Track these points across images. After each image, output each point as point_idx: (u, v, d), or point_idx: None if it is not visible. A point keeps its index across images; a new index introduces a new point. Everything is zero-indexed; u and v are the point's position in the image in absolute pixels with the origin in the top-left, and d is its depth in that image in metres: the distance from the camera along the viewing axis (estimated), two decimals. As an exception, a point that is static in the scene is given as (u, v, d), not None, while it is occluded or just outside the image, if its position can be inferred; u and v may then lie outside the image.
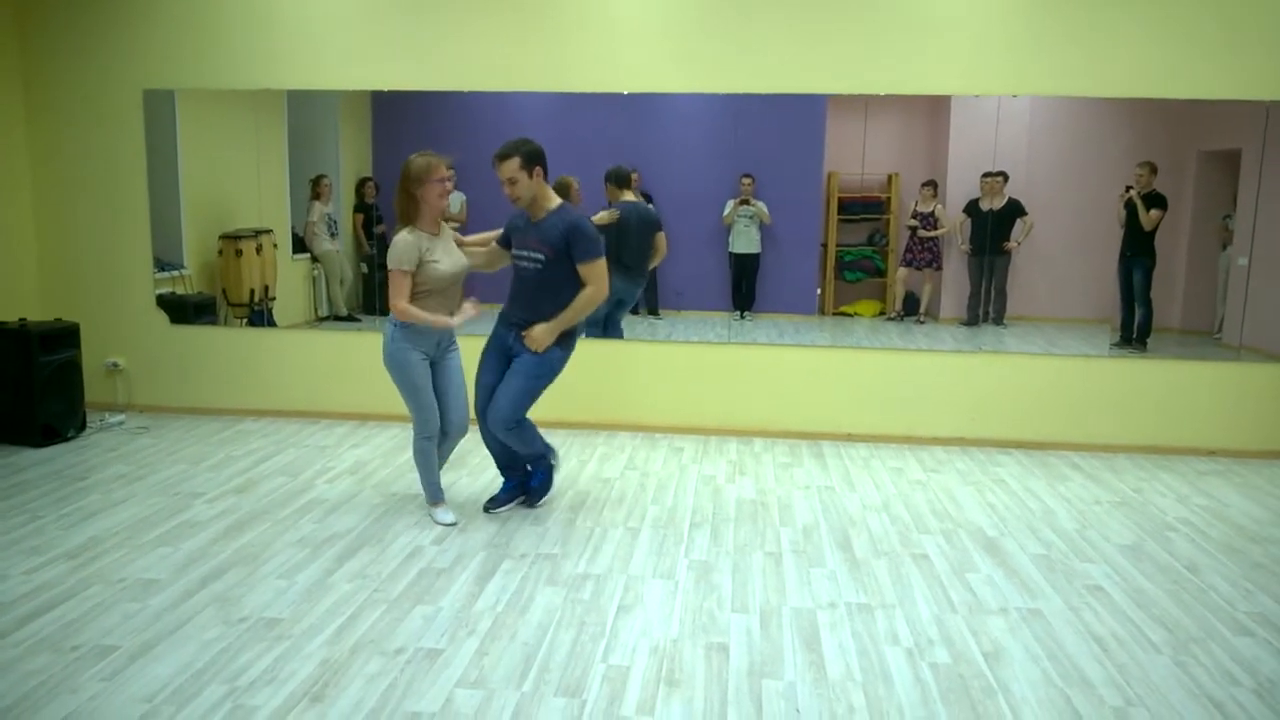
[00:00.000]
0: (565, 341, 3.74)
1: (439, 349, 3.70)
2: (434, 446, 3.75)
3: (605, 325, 5.25)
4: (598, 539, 3.63)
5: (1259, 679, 2.66)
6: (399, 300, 3.50)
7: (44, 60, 5.32)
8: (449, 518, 3.78)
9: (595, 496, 4.13)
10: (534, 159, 3.59)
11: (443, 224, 3.68)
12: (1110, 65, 4.81)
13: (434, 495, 3.83)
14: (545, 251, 3.60)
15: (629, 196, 5.14)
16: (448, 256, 3.61)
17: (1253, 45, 4.73)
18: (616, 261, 4.27)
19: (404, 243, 3.51)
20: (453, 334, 3.77)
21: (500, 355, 3.77)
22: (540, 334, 3.62)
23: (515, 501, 3.97)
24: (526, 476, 3.98)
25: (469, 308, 3.63)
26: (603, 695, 2.51)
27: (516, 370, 3.68)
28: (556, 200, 3.69)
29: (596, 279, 3.62)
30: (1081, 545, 3.67)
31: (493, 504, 3.92)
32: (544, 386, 3.73)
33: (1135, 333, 5.34)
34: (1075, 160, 5.46)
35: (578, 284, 3.62)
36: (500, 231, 3.86)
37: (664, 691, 2.53)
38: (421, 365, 3.61)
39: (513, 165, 3.55)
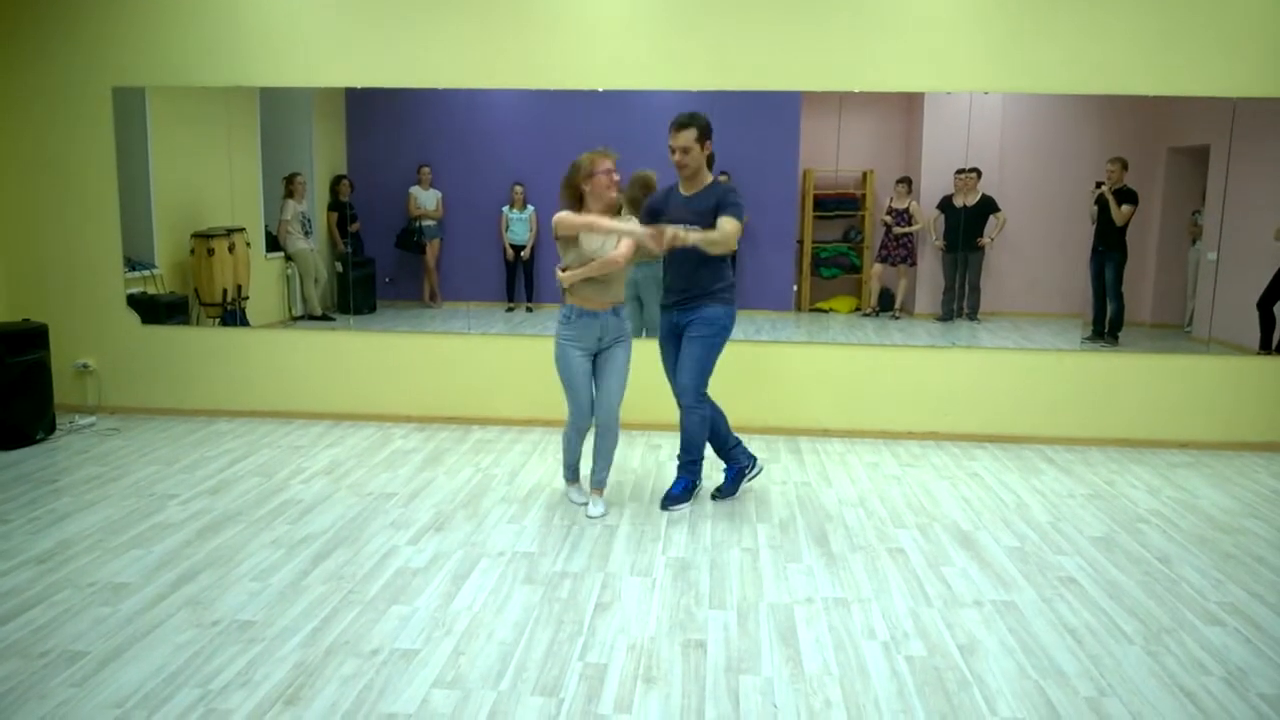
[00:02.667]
0: (727, 299, 3.83)
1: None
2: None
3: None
4: (575, 537, 3.63)
5: (1229, 667, 2.70)
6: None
7: (10, 56, 5.22)
8: (580, 498, 4.02)
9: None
10: (708, 132, 3.70)
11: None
12: (1081, 63, 4.86)
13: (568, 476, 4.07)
14: (702, 224, 3.65)
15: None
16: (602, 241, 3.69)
17: (1220, 43, 4.80)
18: None
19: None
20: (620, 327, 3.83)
21: (675, 340, 3.91)
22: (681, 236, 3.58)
23: (691, 501, 4.05)
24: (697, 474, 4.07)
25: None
26: (580, 693, 2.50)
27: (690, 338, 3.81)
28: (710, 177, 3.79)
29: (733, 230, 3.64)
30: (1055, 538, 3.71)
31: (669, 502, 3.98)
32: (720, 346, 3.84)
33: (1107, 327, 5.40)
34: (1047, 157, 5.51)
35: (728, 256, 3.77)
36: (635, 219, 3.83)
37: (641, 689, 2.53)
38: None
39: (690, 135, 3.66)
